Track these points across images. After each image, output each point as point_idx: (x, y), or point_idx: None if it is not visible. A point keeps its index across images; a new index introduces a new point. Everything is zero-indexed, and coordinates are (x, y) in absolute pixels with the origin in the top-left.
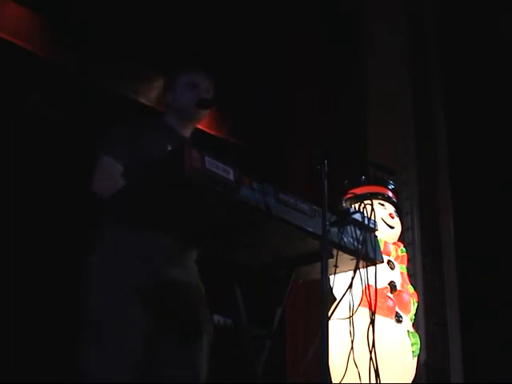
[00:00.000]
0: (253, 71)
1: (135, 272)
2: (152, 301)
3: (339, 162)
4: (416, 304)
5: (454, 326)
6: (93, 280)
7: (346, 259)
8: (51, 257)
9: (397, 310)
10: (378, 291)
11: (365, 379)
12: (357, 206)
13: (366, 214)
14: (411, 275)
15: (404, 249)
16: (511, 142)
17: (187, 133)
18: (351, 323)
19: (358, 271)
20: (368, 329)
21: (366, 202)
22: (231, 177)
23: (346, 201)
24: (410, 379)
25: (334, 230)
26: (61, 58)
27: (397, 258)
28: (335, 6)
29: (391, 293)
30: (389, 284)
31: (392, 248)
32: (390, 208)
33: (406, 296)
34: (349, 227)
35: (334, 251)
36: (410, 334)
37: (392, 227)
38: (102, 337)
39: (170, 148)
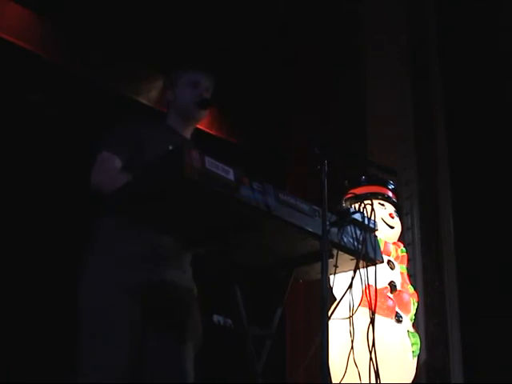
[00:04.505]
0: (253, 71)
1: (129, 271)
2: (143, 300)
3: (339, 162)
4: (416, 304)
5: (453, 326)
6: (87, 278)
7: (345, 259)
8: (50, 254)
9: (397, 310)
10: (378, 291)
11: (365, 379)
12: (357, 205)
13: (366, 214)
14: (411, 275)
15: (404, 249)
16: (511, 141)
17: (187, 133)
18: (351, 323)
19: (358, 271)
20: (368, 329)
21: (366, 201)
22: (231, 177)
23: (345, 201)
24: (410, 379)
25: (334, 230)
26: (61, 58)
27: (397, 257)
28: (335, 5)
29: (391, 293)
30: (389, 284)
31: (392, 248)
32: (390, 208)
33: (406, 296)
34: (349, 227)
35: (334, 251)
36: (410, 334)
37: (392, 227)
38: (94, 335)
39: (170, 147)
